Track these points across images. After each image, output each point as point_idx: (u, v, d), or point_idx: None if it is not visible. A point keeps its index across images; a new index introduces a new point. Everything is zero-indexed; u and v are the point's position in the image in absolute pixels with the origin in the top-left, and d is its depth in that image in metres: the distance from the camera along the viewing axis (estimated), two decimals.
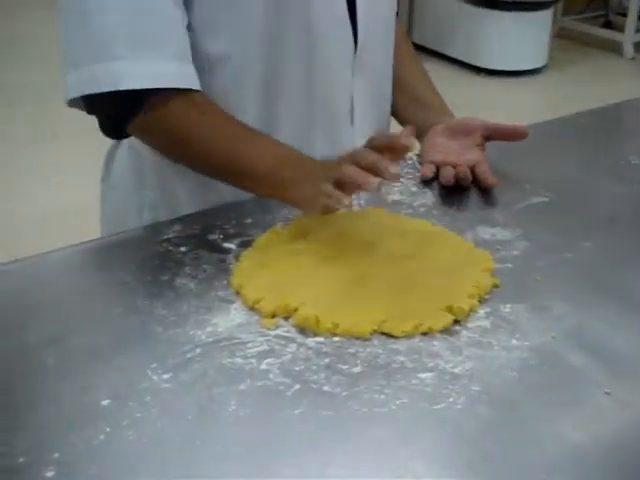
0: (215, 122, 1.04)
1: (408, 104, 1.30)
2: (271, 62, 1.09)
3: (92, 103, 1.04)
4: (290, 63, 1.10)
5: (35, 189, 3.45)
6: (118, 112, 1.03)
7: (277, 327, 0.85)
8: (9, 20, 5.53)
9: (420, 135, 1.25)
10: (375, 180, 0.88)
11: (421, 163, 1.21)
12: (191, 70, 1.03)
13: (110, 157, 1.25)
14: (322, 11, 1.09)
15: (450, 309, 0.86)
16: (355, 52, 1.15)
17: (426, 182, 1.17)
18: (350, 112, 1.19)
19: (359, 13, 1.13)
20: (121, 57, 0.98)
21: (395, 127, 1.30)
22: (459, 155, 1.18)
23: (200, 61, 1.05)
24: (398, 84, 1.29)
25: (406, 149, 0.92)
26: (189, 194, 1.15)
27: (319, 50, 1.11)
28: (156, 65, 0.99)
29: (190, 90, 1.02)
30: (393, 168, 0.88)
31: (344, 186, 0.91)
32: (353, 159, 0.92)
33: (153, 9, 0.99)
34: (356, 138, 1.20)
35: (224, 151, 1.03)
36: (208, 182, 1.08)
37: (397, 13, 1.30)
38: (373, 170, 0.89)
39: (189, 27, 1.04)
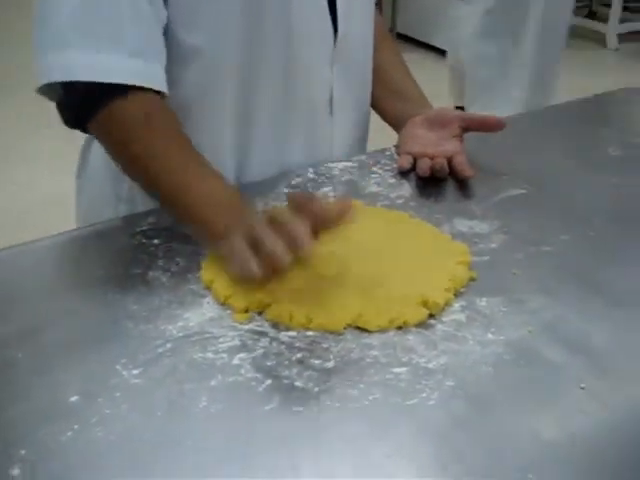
0: (164, 139, 0.99)
1: (386, 95, 1.29)
2: (249, 52, 1.07)
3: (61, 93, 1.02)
4: (269, 53, 1.08)
5: (13, 180, 3.43)
6: (80, 106, 1.00)
7: (250, 321, 0.84)
8: (7, 7, 5.49)
9: (398, 126, 1.24)
10: (284, 258, 0.82)
11: (399, 154, 1.20)
12: (152, 68, 0.99)
13: (85, 151, 1.23)
14: (302, 0, 1.08)
15: (425, 303, 0.85)
16: (335, 42, 1.14)
17: (403, 174, 1.16)
18: (329, 102, 1.18)
19: (339, 2, 1.12)
20: (73, 46, 0.95)
21: (374, 117, 1.29)
22: (436, 146, 1.17)
23: (176, 51, 1.04)
24: (376, 74, 1.28)
25: (335, 223, 0.86)
26: None
27: (298, 40, 1.10)
28: (109, 58, 0.96)
29: (146, 89, 0.98)
30: (308, 247, 0.82)
31: (257, 247, 0.84)
32: (272, 217, 0.86)
33: (115, 1, 0.96)
34: (335, 128, 1.20)
35: (166, 176, 0.97)
36: None
37: (377, 3, 1.30)
38: (290, 240, 0.82)
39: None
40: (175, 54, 1.04)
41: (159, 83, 1.00)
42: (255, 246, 0.84)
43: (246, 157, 1.14)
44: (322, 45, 1.14)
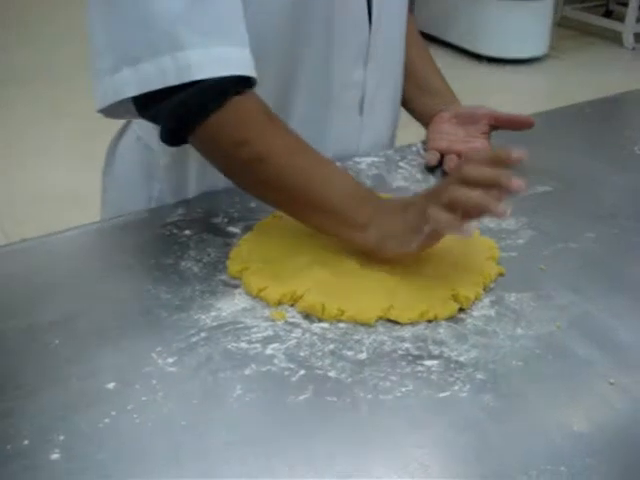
0: (285, 136, 0.94)
1: (414, 90, 1.29)
2: (290, 49, 1.06)
3: (147, 106, 0.93)
4: (309, 52, 1.08)
5: (40, 170, 3.45)
6: (185, 112, 0.90)
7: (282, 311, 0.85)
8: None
9: (426, 122, 1.25)
10: (502, 203, 0.81)
11: (426, 150, 1.21)
12: (251, 55, 0.93)
13: (113, 149, 1.23)
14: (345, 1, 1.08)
15: (455, 297, 0.86)
16: (369, 40, 1.14)
17: (430, 169, 1.17)
18: (360, 102, 1.18)
19: (374, 3, 1.12)
20: (190, 46, 0.87)
21: (401, 113, 1.30)
22: (464, 143, 1.17)
23: None
24: (405, 70, 1.28)
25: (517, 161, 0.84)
26: (198, 186, 1.14)
27: (338, 40, 1.09)
28: (227, 52, 0.89)
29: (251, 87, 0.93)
30: (516, 180, 0.81)
31: (456, 210, 0.83)
32: (460, 179, 0.84)
33: None
34: (364, 128, 1.20)
35: (292, 172, 0.92)
36: (219, 174, 1.04)
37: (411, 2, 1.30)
38: (493, 186, 0.81)
39: None
40: None
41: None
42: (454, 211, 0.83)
43: None
44: (358, 44, 1.13)
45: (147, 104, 0.92)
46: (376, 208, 0.91)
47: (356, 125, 1.19)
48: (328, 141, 1.16)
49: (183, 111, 0.90)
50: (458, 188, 0.83)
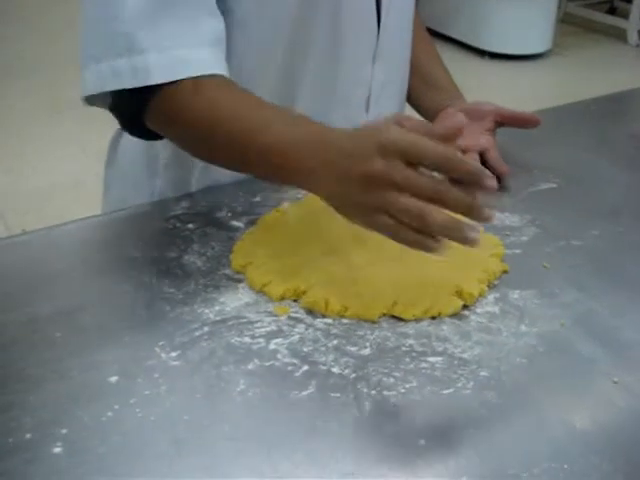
0: (242, 98, 0.92)
1: (419, 85, 1.29)
2: (295, 45, 1.06)
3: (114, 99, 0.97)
4: (315, 49, 1.07)
5: (41, 163, 3.45)
6: (135, 104, 0.94)
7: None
8: None
9: (431, 117, 1.24)
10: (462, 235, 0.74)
11: None
12: (220, 54, 0.95)
13: (115, 142, 1.23)
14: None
15: (459, 294, 0.86)
16: (377, 40, 1.13)
17: None
18: (366, 100, 1.17)
19: (383, 14, 1.12)
20: (145, 49, 0.90)
21: (408, 111, 1.29)
22: (470, 140, 1.17)
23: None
24: (411, 65, 1.28)
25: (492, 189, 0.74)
26: (200, 181, 1.13)
27: (345, 37, 1.09)
28: (182, 53, 0.91)
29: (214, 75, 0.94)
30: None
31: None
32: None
33: None
34: None
35: (243, 122, 0.89)
36: (221, 169, 1.05)
37: None
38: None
39: None
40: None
41: (225, 68, 0.95)
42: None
43: None
44: (366, 42, 1.13)
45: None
46: (326, 155, 0.80)
47: (361, 121, 1.17)
48: None
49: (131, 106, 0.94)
50: (400, 200, 0.74)
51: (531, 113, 1.20)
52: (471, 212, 0.74)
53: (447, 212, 0.74)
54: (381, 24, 1.12)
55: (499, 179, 1.13)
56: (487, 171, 0.74)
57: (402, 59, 1.23)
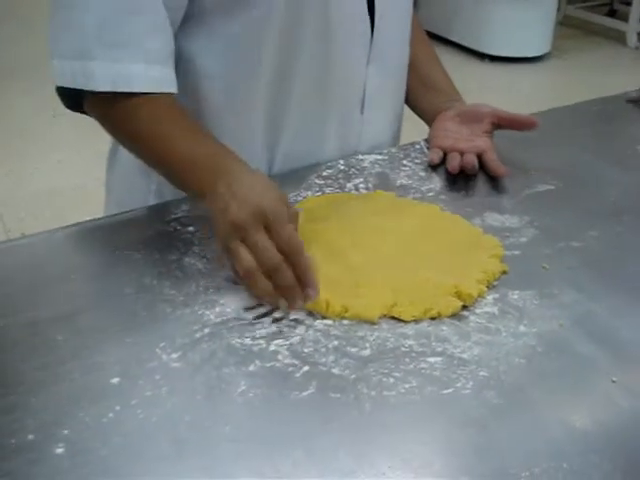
0: (170, 124, 1.00)
1: (418, 87, 1.29)
2: (287, 47, 1.06)
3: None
4: (306, 49, 1.08)
5: (42, 167, 3.46)
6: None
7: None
8: None
9: (429, 119, 1.25)
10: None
11: (429, 148, 1.21)
12: (164, 72, 1.00)
13: (116, 145, 1.24)
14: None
15: (459, 295, 0.86)
16: (371, 42, 1.14)
17: (434, 167, 1.17)
18: (361, 101, 1.18)
19: (377, 2, 1.12)
20: (97, 57, 0.96)
21: (405, 111, 1.30)
22: (467, 142, 1.17)
23: (212, 39, 1.05)
24: (409, 66, 1.28)
25: None
26: None
27: (336, 38, 1.09)
28: (130, 68, 0.97)
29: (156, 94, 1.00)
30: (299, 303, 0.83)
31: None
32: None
33: (135, 9, 0.96)
34: (364, 127, 1.20)
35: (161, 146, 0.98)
36: None
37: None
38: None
39: (201, 7, 1.02)
40: (210, 42, 1.05)
41: (170, 86, 1.01)
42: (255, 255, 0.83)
43: (275, 150, 1.15)
44: (359, 44, 1.13)
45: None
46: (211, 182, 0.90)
47: (357, 124, 1.19)
48: (328, 139, 1.17)
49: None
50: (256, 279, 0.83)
51: (528, 116, 1.20)
52: (291, 294, 0.83)
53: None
54: (375, 26, 1.12)
55: (494, 178, 1.14)
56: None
57: (399, 61, 1.24)
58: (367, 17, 1.11)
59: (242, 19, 1.03)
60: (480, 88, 4.25)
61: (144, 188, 1.17)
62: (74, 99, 1.04)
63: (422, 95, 1.29)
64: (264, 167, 1.14)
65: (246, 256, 0.83)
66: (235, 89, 1.08)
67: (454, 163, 1.15)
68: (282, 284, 0.83)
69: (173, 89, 1.01)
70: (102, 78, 0.97)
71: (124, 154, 1.21)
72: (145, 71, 0.98)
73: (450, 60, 4.78)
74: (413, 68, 1.29)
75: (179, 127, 0.99)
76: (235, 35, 1.04)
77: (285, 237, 0.83)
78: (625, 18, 5.27)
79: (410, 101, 1.31)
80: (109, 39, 0.97)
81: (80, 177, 3.17)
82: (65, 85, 1.00)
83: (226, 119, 1.09)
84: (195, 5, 1.02)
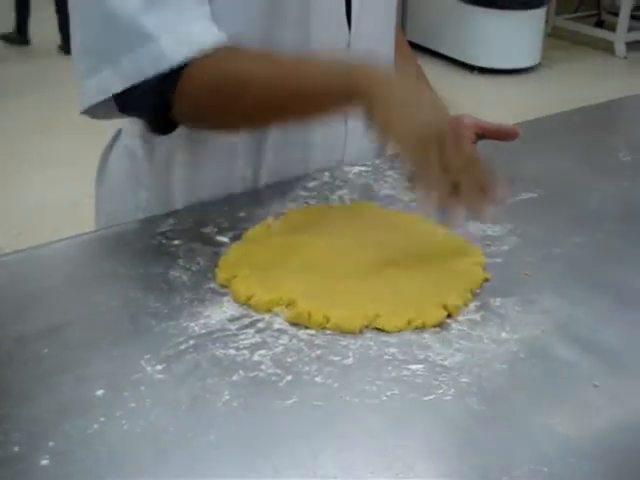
0: (268, 57, 0.98)
1: None
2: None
3: (127, 100, 0.99)
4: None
5: (37, 182, 3.46)
6: (159, 93, 0.97)
7: (269, 318, 0.86)
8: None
9: None
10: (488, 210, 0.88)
11: None
12: (218, 30, 0.97)
13: (104, 158, 1.24)
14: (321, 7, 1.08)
15: (445, 307, 0.87)
16: (350, 48, 1.13)
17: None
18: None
19: (353, 13, 1.12)
20: (157, 36, 0.94)
21: None
22: None
23: None
24: None
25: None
26: (184, 195, 1.14)
27: (314, 46, 1.09)
28: (190, 30, 0.95)
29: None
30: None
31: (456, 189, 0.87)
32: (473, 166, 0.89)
33: None
34: (349, 137, 1.20)
35: (289, 70, 0.96)
36: (203, 182, 1.07)
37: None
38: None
39: None
40: None
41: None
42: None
43: (258, 162, 1.14)
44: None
45: (127, 99, 0.98)
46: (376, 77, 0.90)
47: (341, 134, 1.19)
48: (312, 149, 1.17)
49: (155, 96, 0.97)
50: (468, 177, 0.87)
51: (511, 125, 1.21)
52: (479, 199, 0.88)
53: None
54: (352, 36, 1.12)
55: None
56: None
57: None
58: (346, 24, 1.12)
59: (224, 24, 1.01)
60: (470, 100, 4.25)
61: (133, 203, 1.18)
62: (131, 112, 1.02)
63: None
64: (249, 184, 1.14)
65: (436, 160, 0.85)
66: None
67: None
68: (472, 188, 0.87)
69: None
70: (173, 52, 0.94)
71: (113, 168, 1.22)
72: (205, 29, 0.96)
73: (440, 72, 4.84)
74: None
75: (282, 53, 0.98)
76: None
77: (467, 151, 0.88)
78: (613, 28, 5.31)
79: None
80: (161, 15, 0.94)
81: (74, 194, 3.18)
82: (134, 82, 0.95)
83: (208, 139, 1.10)
84: None
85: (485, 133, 1.20)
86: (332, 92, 0.92)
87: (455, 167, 0.85)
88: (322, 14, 1.09)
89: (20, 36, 5.41)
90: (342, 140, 1.20)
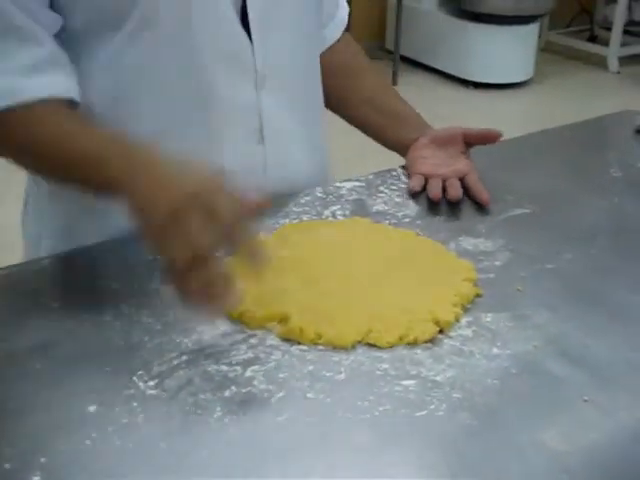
0: (68, 124, 0.97)
1: (384, 120, 1.28)
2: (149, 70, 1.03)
3: None
4: (171, 75, 1.04)
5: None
6: None
7: (262, 336, 0.86)
8: None
9: (402, 150, 1.26)
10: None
11: (409, 175, 1.22)
12: (44, 78, 0.96)
13: (27, 187, 1.22)
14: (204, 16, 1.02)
15: (437, 323, 0.87)
16: (254, 62, 1.07)
17: (411, 193, 1.18)
18: (259, 131, 1.11)
19: (252, 26, 1.06)
20: None
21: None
22: (448, 166, 1.19)
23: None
24: (369, 102, 1.28)
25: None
26: (85, 223, 1.11)
27: (205, 54, 1.03)
28: (8, 81, 0.95)
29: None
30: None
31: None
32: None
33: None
34: (268, 159, 1.13)
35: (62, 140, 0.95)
36: (103, 211, 1.02)
37: (347, 29, 1.31)
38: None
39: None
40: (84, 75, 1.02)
41: (63, 91, 0.98)
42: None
43: None
44: (239, 63, 1.07)
45: None
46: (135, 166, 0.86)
47: (257, 156, 1.12)
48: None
49: None
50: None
51: (491, 128, 1.22)
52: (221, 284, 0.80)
53: None
54: (254, 43, 1.06)
55: (470, 202, 1.16)
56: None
57: (303, 86, 1.18)
58: (243, 31, 1.05)
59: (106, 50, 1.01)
60: (465, 115, 4.29)
61: (37, 230, 1.16)
62: None
63: (388, 128, 1.28)
64: None
65: (180, 249, 0.78)
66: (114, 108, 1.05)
67: (436, 191, 1.15)
68: (206, 281, 0.79)
69: (64, 93, 0.98)
70: None
71: (28, 194, 1.20)
72: (27, 80, 0.95)
73: (435, 87, 4.86)
74: (367, 100, 1.29)
75: (78, 125, 0.96)
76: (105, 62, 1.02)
77: (223, 216, 0.78)
78: (606, 43, 5.33)
79: (375, 135, 1.30)
80: None
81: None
82: None
83: None
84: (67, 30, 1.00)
85: (471, 140, 1.21)
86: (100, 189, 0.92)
87: (205, 244, 0.78)
88: (207, 19, 1.02)
89: None
90: (260, 164, 1.13)
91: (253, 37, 1.06)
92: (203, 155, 1.03)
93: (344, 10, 1.32)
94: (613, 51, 5.25)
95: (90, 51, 1.02)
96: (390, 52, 5.05)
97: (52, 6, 0.98)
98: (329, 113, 1.31)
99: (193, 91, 1.05)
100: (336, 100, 1.30)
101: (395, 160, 1.29)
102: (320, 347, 0.84)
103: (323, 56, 1.24)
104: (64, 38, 1.00)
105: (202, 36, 1.02)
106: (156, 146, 0.88)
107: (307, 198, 1.16)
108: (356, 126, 1.32)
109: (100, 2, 0.98)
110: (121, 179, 0.87)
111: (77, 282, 0.99)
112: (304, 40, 1.16)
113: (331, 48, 1.29)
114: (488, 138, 1.21)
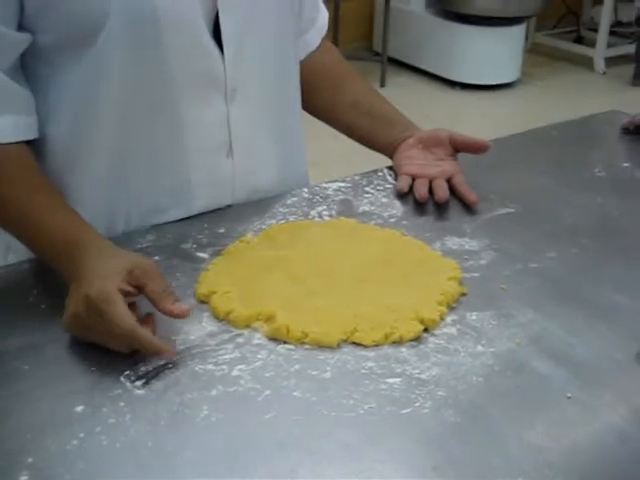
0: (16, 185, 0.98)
1: (370, 123, 1.28)
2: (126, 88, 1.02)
3: None
4: (145, 90, 1.03)
5: None
6: None
7: (248, 335, 0.87)
8: None
9: (390, 152, 1.26)
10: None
11: (397, 176, 1.23)
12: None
13: None
14: (177, 35, 1.01)
15: (422, 320, 0.88)
16: (225, 77, 1.07)
17: (396, 193, 1.19)
18: (228, 144, 1.11)
19: (225, 44, 1.05)
20: None
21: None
22: (435, 167, 1.19)
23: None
24: (354, 106, 1.29)
25: None
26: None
27: (175, 69, 1.03)
28: None
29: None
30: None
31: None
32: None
33: None
34: (237, 172, 1.14)
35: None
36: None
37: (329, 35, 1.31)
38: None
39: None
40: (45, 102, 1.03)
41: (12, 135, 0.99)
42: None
43: (120, 205, 1.09)
44: (208, 77, 1.06)
45: None
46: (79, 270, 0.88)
47: (226, 170, 1.12)
48: (192, 187, 1.10)
49: None
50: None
51: (482, 139, 1.22)
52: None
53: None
54: (225, 57, 1.05)
55: (455, 202, 1.16)
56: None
57: (275, 99, 1.16)
58: (215, 52, 1.05)
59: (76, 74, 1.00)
60: (451, 116, 4.31)
61: (5, 244, 1.15)
62: None
63: (375, 130, 1.28)
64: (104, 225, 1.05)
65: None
66: (77, 139, 1.05)
67: (422, 191, 1.16)
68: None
69: (11, 137, 0.99)
70: None
71: None
72: None
73: (421, 88, 4.86)
74: (353, 104, 1.29)
75: (28, 188, 0.98)
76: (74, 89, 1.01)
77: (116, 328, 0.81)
78: (592, 44, 5.35)
79: (362, 138, 1.31)
80: None
81: None
82: None
83: (64, 176, 1.06)
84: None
85: (457, 147, 1.21)
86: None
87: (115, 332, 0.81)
88: (178, 35, 1.01)
89: None
90: (230, 177, 1.13)
91: (225, 51, 1.05)
92: (170, 168, 1.07)
93: (324, 15, 1.32)
94: (599, 52, 5.27)
95: (60, 67, 1.01)
96: (378, 54, 5.06)
97: (21, 24, 0.97)
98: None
99: (161, 105, 1.04)
100: (320, 105, 1.30)
101: (381, 161, 1.29)
102: (306, 346, 0.85)
103: (304, 62, 1.25)
104: (35, 55, 1.00)
105: (172, 52, 1.01)
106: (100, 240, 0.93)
107: (294, 199, 1.17)
108: (342, 130, 1.32)
109: (70, 19, 0.97)
110: (63, 272, 0.92)
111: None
112: (279, 49, 1.14)
113: (312, 54, 1.29)
114: (475, 148, 1.21)
